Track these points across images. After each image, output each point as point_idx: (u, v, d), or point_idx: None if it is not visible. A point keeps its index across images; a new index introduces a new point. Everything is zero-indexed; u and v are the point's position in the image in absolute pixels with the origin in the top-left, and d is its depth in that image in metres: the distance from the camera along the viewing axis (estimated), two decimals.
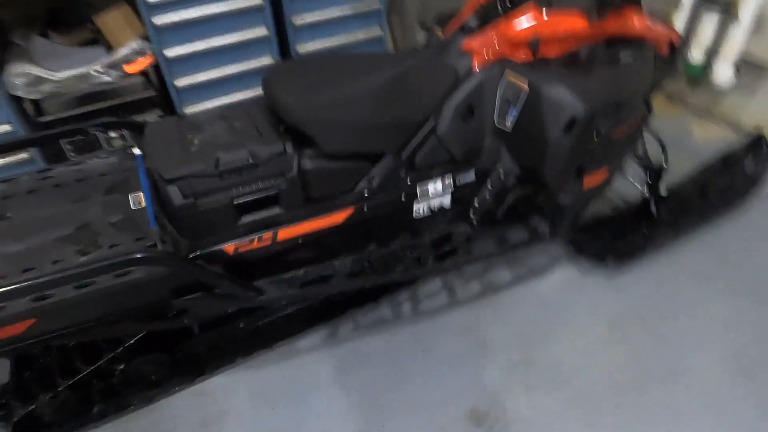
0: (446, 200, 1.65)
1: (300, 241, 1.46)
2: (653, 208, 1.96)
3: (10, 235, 1.31)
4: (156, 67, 2.21)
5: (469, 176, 1.65)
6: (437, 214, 1.67)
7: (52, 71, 2.07)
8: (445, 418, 1.52)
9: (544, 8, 1.51)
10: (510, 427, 1.50)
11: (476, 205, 1.69)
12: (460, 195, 1.66)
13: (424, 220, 1.66)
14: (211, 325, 1.66)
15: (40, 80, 2.04)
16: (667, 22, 1.90)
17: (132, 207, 1.38)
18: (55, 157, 2.18)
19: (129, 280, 1.24)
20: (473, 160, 1.66)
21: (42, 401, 1.42)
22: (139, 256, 1.15)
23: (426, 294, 1.88)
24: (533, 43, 1.50)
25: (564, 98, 1.45)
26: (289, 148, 1.39)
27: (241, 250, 1.39)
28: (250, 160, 1.34)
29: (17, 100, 2.05)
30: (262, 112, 1.47)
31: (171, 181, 1.28)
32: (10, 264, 1.24)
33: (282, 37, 2.40)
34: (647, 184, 1.94)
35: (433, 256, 1.64)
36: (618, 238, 1.93)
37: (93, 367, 1.42)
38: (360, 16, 2.50)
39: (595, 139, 1.49)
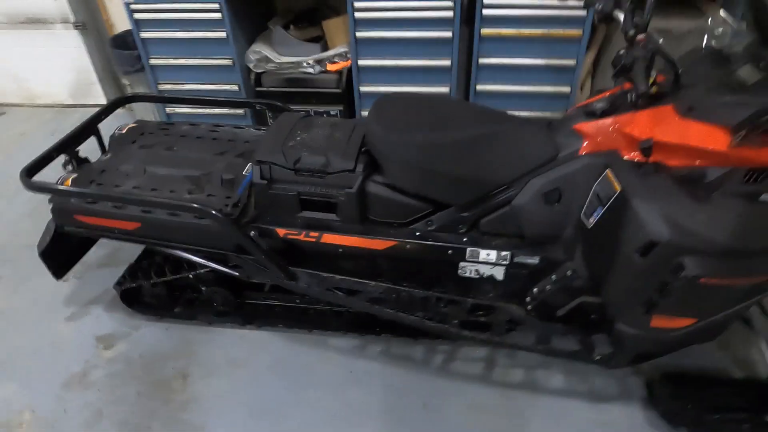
0: (498, 272, 1.58)
1: (340, 251, 1.60)
2: None
3: (163, 163, 1.80)
4: (349, 71, 2.58)
5: (532, 259, 1.53)
6: (486, 281, 1.61)
7: (277, 54, 2.62)
8: None
9: (680, 113, 1.30)
10: None
11: (534, 292, 1.57)
12: (515, 273, 1.57)
13: (472, 282, 1.62)
14: (277, 290, 1.95)
15: (266, 59, 2.61)
16: None
17: (243, 173, 1.74)
18: (259, 117, 2.78)
19: (203, 224, 1.60)
20: (543, 245, 1.54)
21: (145, 285, 1.92)
22: (195, 206, 1.47)
23: (464, 356, 1.82)
24: (645, 144, 1.31)
25: (649, 216, 1.25)
26: (359, 168, 1.54)
27: (289, 237, 1.61)
28: (323, 167, 1.54)
29: (247, 71, 2.67)
30: (360, 132, 1.64)
31: (258, 162, 1.57)
32: (149, 181, 1.71)
33: (466, 71, 2.52)
34: None
35: (461, 321, 1.59)
36: (711, 412, 1.52)
37: (174, 277, 1.85)
38: (552, 69, 2.44)
39: (677, 280, 1.24)
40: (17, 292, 2.15)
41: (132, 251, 2.05)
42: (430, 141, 1.49)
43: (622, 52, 1.30)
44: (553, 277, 1.52)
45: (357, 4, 2.34)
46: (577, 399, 1.68)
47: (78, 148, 1.82)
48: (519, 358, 1.81)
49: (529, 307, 1.59)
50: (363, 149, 1.57)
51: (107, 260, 2.26)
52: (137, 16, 2.53)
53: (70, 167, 1.81)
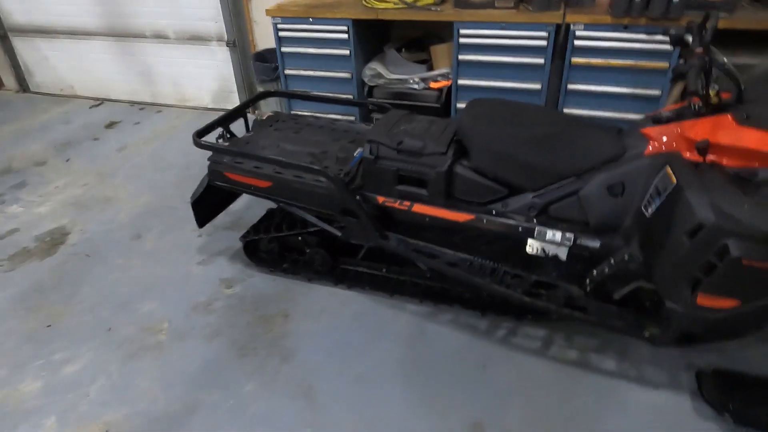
0: (562, 252, 1.79)
1: (427, 220, 1.91)
2: None
3: (292, 141, 2.24)
4: (449, 89, 2.95)
5: (593, 242, 1.74)
6: (551, 260, 1.83)
7: (388, 72, 3.06)
8: (454, 416, 1.73)
9: (738, 121, 1.50)
10: None
11: (594, 274, 1.77)
12: (577, 255, 1.78)
13: (538, 260, 1.85)
14: (367, 258, 2.29)
15: (379, 75, 3.06)
16: None
17: (354, 154, 2.13)
18: (367, 120, 3.22)
19: (319, 187, 1.99)
20: (604, 233, 1.74)
21: (263, 239, 2.35)
22: (316, 168, 1.87)
23: (525, 333, 2.03)
24: (701, 145, 1.52)
25: (700, 203, 1.44)
26: (450, 152, 1.86)
27: (387, 204, 1.95)
28: (420, 150, 1.88)
29: (362, 84, 3.13)
30: (453, 127, 1.97)
31: (369, 141, 1.94)
32: (280, 153, 2.15)
33: (556, 95, 2.78)
34: None
35: (524, 289, 1.82)
36: (758, 405, 1.61)
37: (287, 233, 2.25)
38: (638, 98, 2.64)
39: (720, 259, 1.41)
40: (162, 239, 2.68)
41: (253, 219, 2.51)
42: (512, 132, 1.79)
43: (681, 61, 1.54)
44: (612, 260, 1.72)
45: (462, 31, 2.72)
46: (627, 381, 1.82)
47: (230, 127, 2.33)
48: (575, 341, 1.98)
49: (588, 288, 1.79)
50: (454, 138, 1.90)
51: (231, 225, 2.75)
52: (282, 33, 3.10)
53: (222, 140, 2.31)
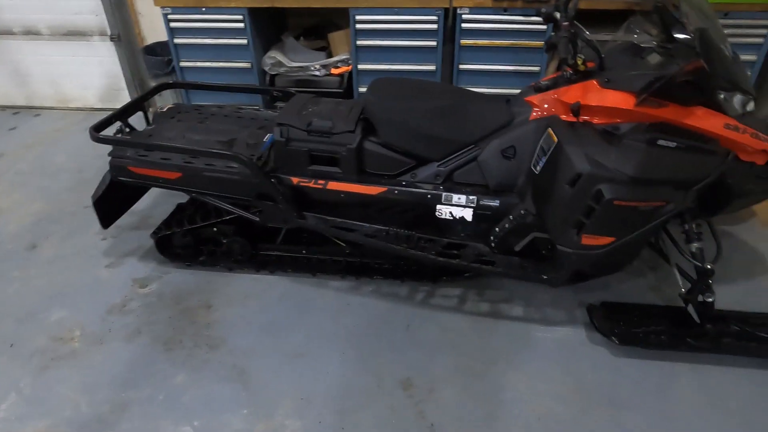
0: (468, 213, 1.97)
1: (342, 196, 2.00)
2: (692, 312, 1.87)
3: (198, 131, 2.21)
4: (350, 74, 3.04)
5: (494, 202, 1.94)
6: (459, 222, 2.00)
7: (289, 60, 3.08)
8: (387, 377, 1.85)
9: (601, 84, 1.74)
10: (427, 404, 1.75)
11: (496, 230, 1.96)
12: (481, 215, 1.96)
13: (448, 223, 2.01)
14: (286, 242, 2.33)
15: (279, 63, 3.07)
16: None
17: (264, 139, 2.15)
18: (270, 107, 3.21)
19: (232, 174, 2.00)
20: (502, 192, 1.94)
21: (177, 233, 2.29)
22: (229, 153, 1.89)
23: (442, 293, 2.20)
24: (574, 107, 1.75)
25: (577, 156, 1.67)
26: (358, 130, 1.96)
27: (301, 184, 2.01)
28: (329, 129, 1.95)
29: (263, 73, 3.12)
30: (360, 106, 2.07)
31: (279, 124, 1.98)
32: (188, 143, 2.12)
33: (450, 75, 2.98)
34: (692, 283, 1.87)
35: (437, 251, 1.98)
36: (637, 326, 1.90)
37: (203, 225, 2.23)
38: (521, 74, 2.91)
39: (597, 202, 1.64)
40: (63, 246, 2.51)
41: (161, 216, 2.43)
42: (414, 106, 1.93)
43: (552, 34, 1.76)
44: (510, 216, 1.93)
45: (358, 17, 2.82)
46: (533, 323, 2.06)
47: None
48: (486, 295, 2.18)
49: (493, 244, 1.99)
50: (361, 116, 2.00)
51: (139, 224, 2.64)
52: (173, 24, 2.99)
53: (120, 135, 2.21)
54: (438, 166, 1.98)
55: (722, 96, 1.70)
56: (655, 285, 2.22)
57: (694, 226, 1.86)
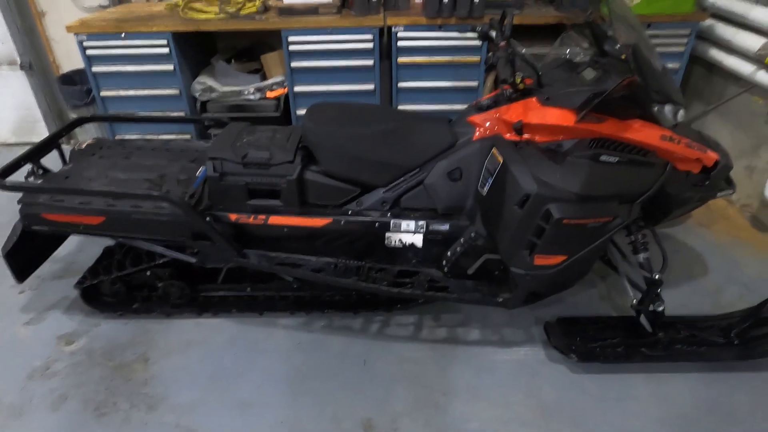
0: (418, 239, 1.91)
1: (285, 230, 1.89)
2: (645, 322, 1.89)
3: (123, 169, 2.03)
4: (287, 97, 2.93)
5: (443, 226, 1.88)
6: (409, 249, 1.93)
7: (220, 84, 2.94)
8: (346, 420, 1.74)
9: (541, 102, 1.73)
10: None
11: (448, 255, 1.91)
12: (432, 240, 1.90)
13: (398, 251, 1.94)
14: (229, 281, 2.18)
15: (210, 89, 2.92)
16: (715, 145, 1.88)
17: (196, 174, 2.00)
18: (204, 138, 3.05)
19: (162, 215, 1.84)
20: (452, 216, 1.89)
21: (104, 281, 2.09)
22: (155, 194, 1.73)
23: (397, 322, 2.12)
24: (516, 126, 1.73)
25: (523, 176, 1.64)
26: (298, 159, 1.85)
27: (240, 221, 1.88)
28: (266, 160, 1.84)
29: (193, 100, 2.96)
30: (298, 133, 1.97)
31: (211, 158, 1.84)
32: (111, 183, 1.94)
33: (390, 94, 2.94)
34: (642, 294, 1.88)
35: (389, 281, 1.90)
36: (593, 341, 1.90)
37: (132, 270, 2.04)
38: (460, 90, 2.90)
39: (546, 222, 1.62)
40: None
41: (87, 262, 2.22)
42: (355, 132, 1.85)
43: (490, 54, 1.74)
44: (461, 240, 1.88)
45: (291, 39, 2.73)
46: (491, 346, 2.01)
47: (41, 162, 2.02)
48: (442, 320, 2.12)
49: (446, 269, 1.93)
50: (300, 145, 1.90)
51: (62, 273, 2.40)
52: (90, 52, 2.78)
53: (32, 178, 2.00)
54: (384, 192, 1.90)
55: (656, 108, 1.73)
56: (606, 294, 2.25)
57: (640, 236, 1.88)
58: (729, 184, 1.94)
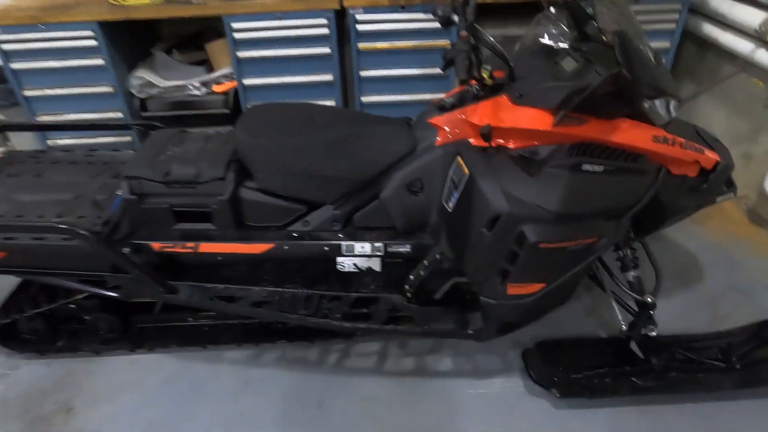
0: (375, 263, 1.65)
1: (219, 259, 1.62)
2: (636, 349, 1.66)
3: (32, 189, 1.74)
4: (237, 91, 2.62)
5: (404, 247, 1.62)
6: (366, 274, 1.68)
7: (161, 79, 2.61)
8: None
9: (513, 100, 1.46)
10: None
11: (411, 279, 1.65)
12: (392, 263, 1.65)
13: (353, 276, 1.68)
14: (167, 311, 1.92)
15: (150, 84, 2.60)
16: (714, 143, 1.63)
17: (117, 192, 1.71)
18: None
19: (71, 246, 1.56)
20: (414, 233, 1.64)
21: (21, 320, 1.82)
22: (59, 226, 1.45)
23: (358, 351, 1.88)
24: (484, 131, 1.46)
25: (493, 193, 1.38)
26: (230, 176, 1.57)
27: (166, 250, 1.60)
28: (193, 178, 1.56)
29: (131, 96, 2.64)
30: (232, 142, 1.68)
31: (127, 178, 1.56)
32: (13, 209, 1.65)
33: (350, 84, 2.64)
34: (633, 317, 1.65)
35: (343, 313, 1.65)
36: (577, 371, 1.67)
37: (52, 307, 1.77)
38: (429, 78, 2.61)
39: (520, 247, 1.37)
40: None
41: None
42: (295, 143, 1.56)
43: (449, 47, 1.45)
44: (425, 262, 1.62)
45: (235, 25, 2.41)
46: (464, 377, 1.78)
47: None
48: (410, 347, 1.89)
49: (409, 294, 1.68)
50: (234, 157, 1.61)
51: None
52: (6, 47, 2.44)
53: None
54: (334, 209, 1.63)
55: (647, 105, 1.47)
56: (592, 307, 2.02)
57: (629, 252, 1.64)
58: (730, 186, 1.69)
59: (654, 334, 1.64)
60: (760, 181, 2.40)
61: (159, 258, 1.63)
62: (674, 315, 1.93)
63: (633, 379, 1.65)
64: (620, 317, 1.69)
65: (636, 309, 1.65)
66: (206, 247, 1.61)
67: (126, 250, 1.58)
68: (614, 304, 1.72)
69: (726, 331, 1.79)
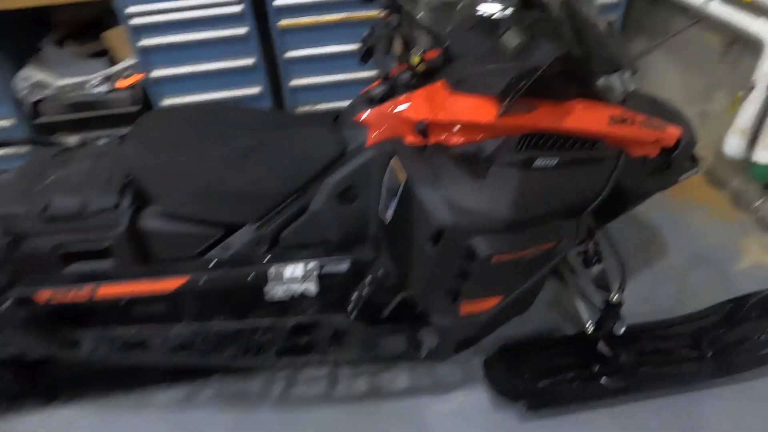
0: (311, 286, 1.44)
1: (124, 303, 1.37)
2: (604, 349, 1.53)
3: None
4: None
5: (341, 265, 1.42)
6: (301, 300, 1.47)
7: (54, 77, 2.25)
8: None
9: (450, 88, 1.24)
10: None
11: (354, 298, 1.46)
12: (329, 284, 1.44)
13: (286, 303, 1.47)
14: None
15: (41, 84, 2.24)
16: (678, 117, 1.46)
17: None
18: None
19: None
20: (352, 247, 1.43)
21: None
22: None
23: (305, 377, 1.68)
24: (419, 127, 1.24)
25: (434, 203, 1.18)
26: (126, 202, 1.31)
27: (57, 300, 1.34)
28: (79, 210, 1.29)
29: (20, 102, 2.27)
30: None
31: None
32: None
33: (275, 67, 2.35)
34: (599, 317, 1.52)
35: (279, 347, 1.44)
36: (543, 377, 1.53)
37: None
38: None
39: (470, 262, 1.18)
40: None
41: None
42: (200, 157, 1.31)
43: (366, 32, 1.21)
44: (367, 279, 1.42)
45: (130, 10, 2.06)
46: (424, 394, 1.62)
47: None
48: (362, 367, 1.70)
49: (353, 315, 1.48)
50: (128, 179, 1.35)
51: None
52: None
53: None
54: (256, 229, 1.40)
55: (601, 81, 1.28)
56: (555, 299, 1.88)
57: (591, 245, 1.48)
58: (694, 161, 1.55)
59: (623, 329, 1.51)
60: (716, 139, 2.29)
61: (49, 309, 1.36)
62: (640, 297, 1.82)
63: (602, 381, 1.52)
64: (585, 315, 1.56)
65: (601, 306, 1.51)
66: (106, 291, 1.35)
67: (6, 304, 1.31)
68: (578, 301, 1.58)
69: (696, 313, 1.69)
